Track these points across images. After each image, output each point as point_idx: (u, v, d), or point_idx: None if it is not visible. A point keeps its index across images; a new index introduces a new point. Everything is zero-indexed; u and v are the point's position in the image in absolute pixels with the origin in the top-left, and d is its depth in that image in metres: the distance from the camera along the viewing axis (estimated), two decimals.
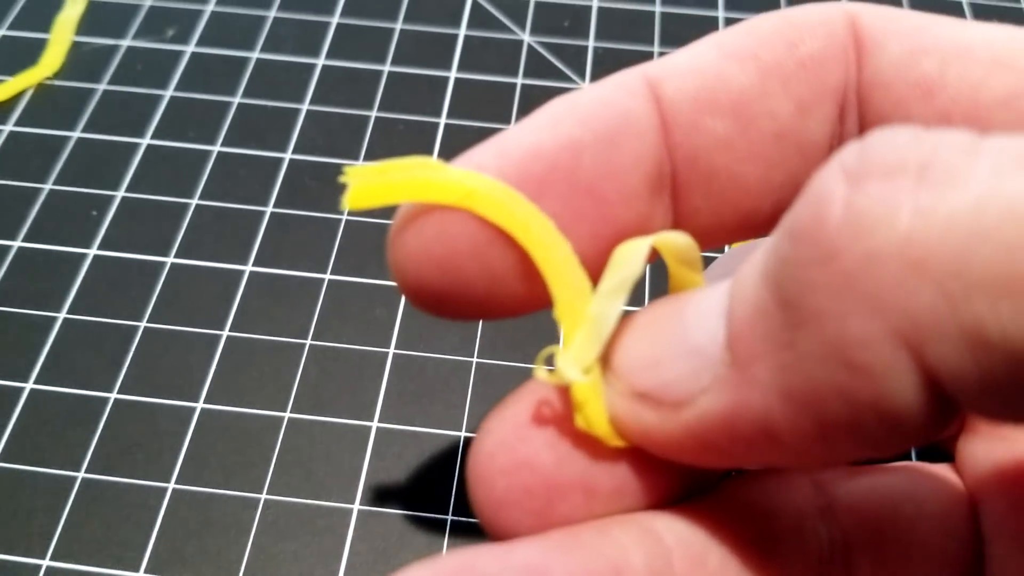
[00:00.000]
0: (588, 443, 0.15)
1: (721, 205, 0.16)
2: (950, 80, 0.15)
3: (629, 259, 0.15)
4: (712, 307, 0.13)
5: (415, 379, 0.25)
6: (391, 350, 0.26)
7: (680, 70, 0.16)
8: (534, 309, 0.16)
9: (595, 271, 0.15)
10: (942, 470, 0.17)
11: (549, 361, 0.15)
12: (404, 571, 0.13)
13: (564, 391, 0.15)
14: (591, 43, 0.33)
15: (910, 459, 0.23)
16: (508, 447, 0.15)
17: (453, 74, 0.32)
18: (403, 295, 0.16)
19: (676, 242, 0.15)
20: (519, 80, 0.32)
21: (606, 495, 0.15)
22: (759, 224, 0.17)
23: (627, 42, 0.33)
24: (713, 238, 0.17)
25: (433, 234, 0.15)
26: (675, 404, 0.14)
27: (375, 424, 0.24)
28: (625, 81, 0.16)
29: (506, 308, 0.16)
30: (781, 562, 0.15)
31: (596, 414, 0.15)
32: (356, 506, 0.23)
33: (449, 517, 0.23)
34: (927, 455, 0.22)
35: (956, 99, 0.15)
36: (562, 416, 0.15)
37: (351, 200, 0.14)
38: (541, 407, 0.15)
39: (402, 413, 0.24)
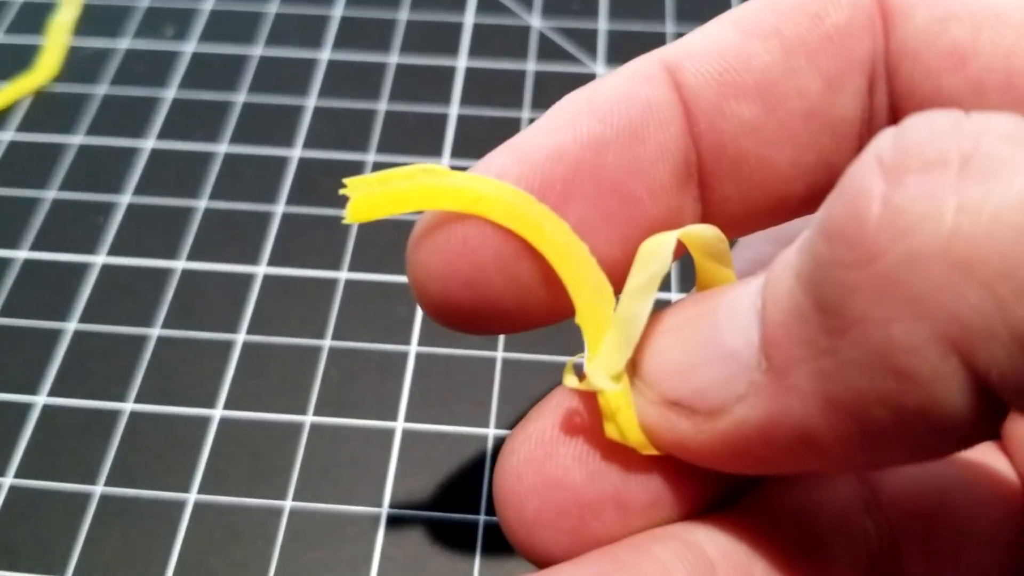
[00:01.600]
0: (619, 454, 0.14)
1: (752, 191, 0.15)
2: (982, 47, 0.14)
3: (656, 255, 0.14)
4: (745, 308, 0.13)
5: (439, 377, 0.24)
6: (413, 348, 0.25)
7: (699, 53, 0.15)
8: (559, 319, 0.15)
9: (626, 272, 0.15)
10: (989, 451, 0.17)
11: (578, 368, 0.14)
12: None
13: (592, 400, 0.14)
14: (602, 25, 0.32)
15: None
16: (536, 465, 0.15)
17: (462, 63, 0.31)
18: (425, 312, 0.15)
19: (703, 235, 0.15)
20: (530, 66, 0.31)
21: (641, 509, 0.15)
22: (793, 208, 0.16)
23: (639, 22, 0.32)
24: (745, 226, 0.16)
25: (456, 249, 0.14)
26: (710, 412, 0.13)
27: (400, 425, 0.24)
28: (643, 69, 0.15)
29: (532, 320, 0.15)
30: (828, 562, 0.15)
31: (628, 422, 0.14)
32: (384, 510, 0.22)
33: (481, 518, 0.22)
34: None
35: (989, 67, 0.14)
36: (591, 427, 0.15)
37: (352, 213, 0.14)
38: (572, 417, 0.15)
39: (427, 412, 0.24)
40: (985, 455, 0.17)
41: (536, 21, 0.32)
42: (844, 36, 0.15)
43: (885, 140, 0.11)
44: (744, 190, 0.15)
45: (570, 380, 0.14)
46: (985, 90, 0.14)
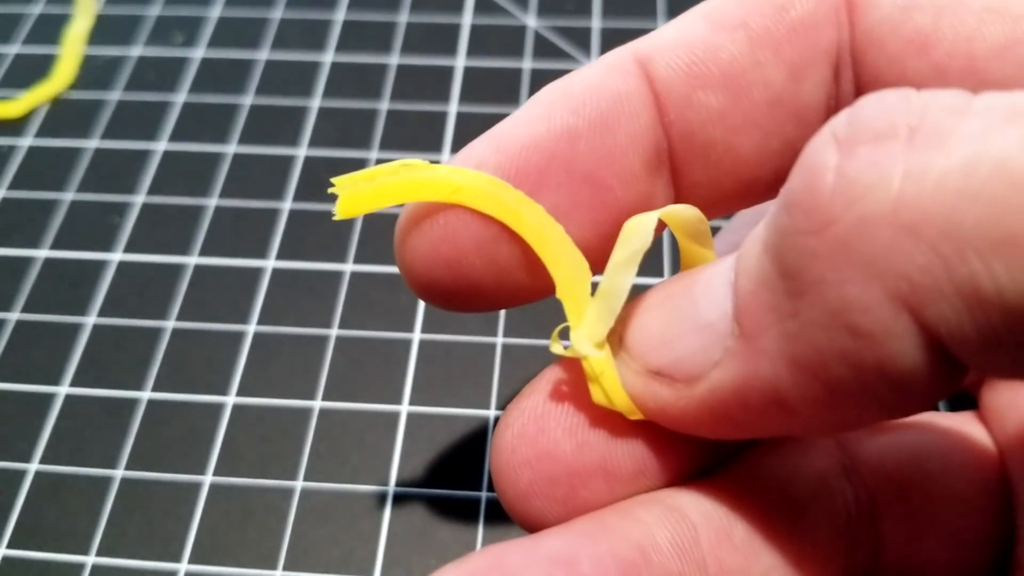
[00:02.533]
0: (606, 425, 0.15)
1: (720, 176, 0.16)
2: (944, 33, 0.15)
3: (638, 232, 0.15)
4: (720, 282, 0.14)
5: (442, 362, 0.25)
6: (416, 335, 0.26)
7: (669, 45, 0.16)
8: (540, 297, 0.16)
9: (600, 255, 0.15)
10: (966, 420, 0.17)
11: (565, 337, 0.15)
12: (436, 573, 0.14)
13: (580, 376, 0.15)
14: (595, 23, 0.33)
15: (937, 409, 0.23)
16: (528, 439, 0.15)
17: (461, 62, 0.32)
18: (413, 291, 0.16)
19: (683, 215, 0.15)
20: (526, 64, 0.32)
21: (627, 477, 0.15)
22: (761, 191, 0.17)
23: (632, 19, 0.33)
24: (716, 208, 0.17)
25: (439, 234, 0.15)
26: (688, 379, 0.14)
27: (405, 408, 0.25)
28: (616, 62, 0.16)
29: (512, 298, 0.16)
30: (807, 526, 0.15)
31: (613, 387, 0.15)
32: (391, 489, 0.23)
33: (483, 494, 0.23)
34: (955, 405, 0.22)
35: (951, 52, 0.14)
36: (579, 401, 0.15)
37: (341, 209, 0.15)
38: (560, 385, 0.16)
39: (431, 396, 0.25)
40: (962, 424, 0.17)
41: (532, 21, 0.33)
42: (808, 27, 0.15)
43: (840, 117, 0.12)
44: (713, 175, 0.16)
45: (556, 347, 0.15)
46: (948, 75, 0.14)
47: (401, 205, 0.15)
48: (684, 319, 0.14)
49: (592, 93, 0.15)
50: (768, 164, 0.16)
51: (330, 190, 0.15)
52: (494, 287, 0.16)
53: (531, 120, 0.15)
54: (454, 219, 0.15)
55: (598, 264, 0.15)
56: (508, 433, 0.16)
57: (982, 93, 0.11)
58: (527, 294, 0.16)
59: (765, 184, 0.16)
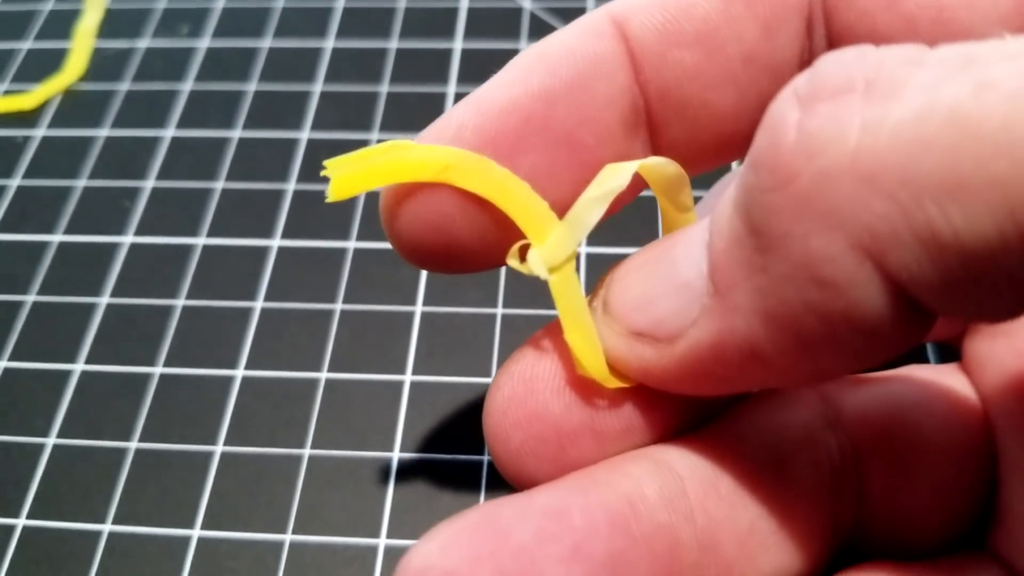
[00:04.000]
0: (592, 386, 0.16)
1: (698, 133, 0.16)
2: None
3: (615, 174, 0.15)
4: (697, 241, 0.14)
5: (443, 333, 0.26)
6: (418, 308, 0.27)
7: (644, 5, 0.16)
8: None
9: None
10: (949, 372, 0.17)
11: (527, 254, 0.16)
12: (433, 529, 0.14)
13: (563, 343, 0.15)
14: (590, 3, 0.34)
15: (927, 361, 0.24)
16: (518, 401, 0.16)
17: (458, 45, 0.33)
18: (402, 256, 0.16)
19: (662, 169, 0.16)
20: (523, 45, 0.33)
21: (615, 435, 0.16)
22: (738, 147, 0.17)
23: None
24: (695, 165, 0.17)
25: (423, 204, 0.16)
26: (669, 338, 0.14)
27: (408, 377, 0.25)
28: (591, 24, 0.16)
29: (492, 261, 0.16)
30: (792, 476, 0.16)
31: (593, 360, 0.15)
32: (396, 454, 0.24)
33: (485, 458, 0.24)
34: (942, 358, 0.23)
35: (920, 3, 0.15)
36: (566, 358, 0.16)
37: (334, 191, 0.15)
38: (548, 348, 0.16)
39: (433, 365, 0.25)
40: (945, 375, 0.18)
41: (527, 3, 0.34)
42: None
43: (802, 76, 0.12)
44: (690, 132, 0.16)
45: (512, 261, 0.16)
46: (918, 26, 0.15)
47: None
48: (663, 280, 0.14)
49: (568, 55, 0.16)
50: (745, 119, 0.16)
51: (322, 172, 0.15)
52: (477, 250, 0.16)
53: (509, 83, 0.16)
54: (438, 197, 0.15)
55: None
56: (499, 395, 0.16)
57: (938, 46, 0.11)
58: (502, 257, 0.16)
59: (743, 139, 0.17)
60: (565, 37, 0.16)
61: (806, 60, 0.16)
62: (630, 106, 0.16)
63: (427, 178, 0.15)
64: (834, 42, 0.16)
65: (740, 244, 0.13)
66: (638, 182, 0.16)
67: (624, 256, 0.16)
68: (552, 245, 0.15)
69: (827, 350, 0.13)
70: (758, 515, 0.15)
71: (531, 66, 0.16)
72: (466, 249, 0.16)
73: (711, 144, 0.17)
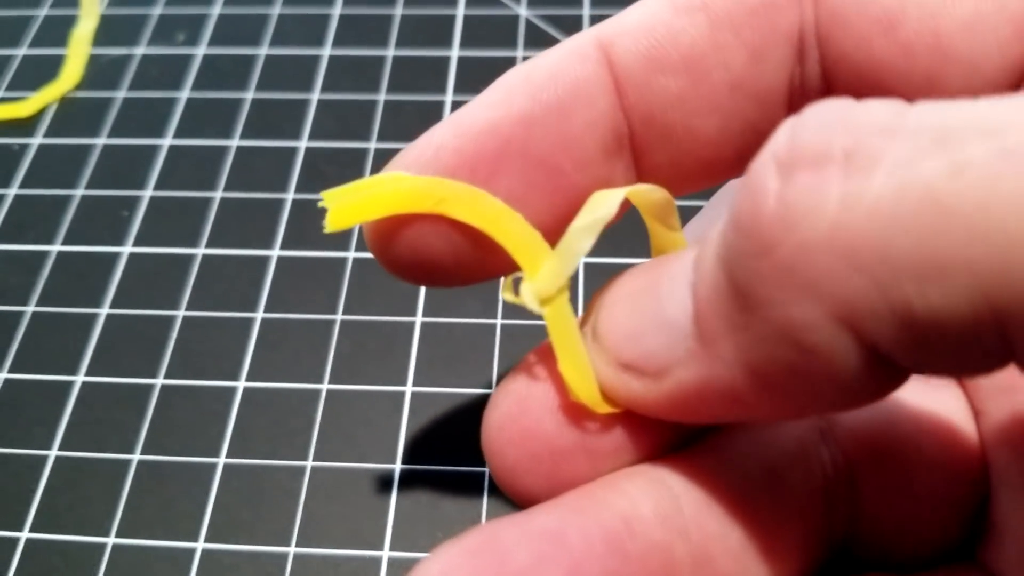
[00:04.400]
0: (584, 410, 0.16)
1: (681, 158, 0.16)
2: (910, 11, 0.15)
3: (604, 203, 0.15)
4: (682, 281, 0.14)
5: (444, 344, 0.26)
6: (419, 319, 0.27)
7: (630, 29, 0.16)
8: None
9: (555, 238, 0.16)
10: (942, 384, 0.18)
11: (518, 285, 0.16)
12: (434, 552, 0.14)
13: (556, 367, 0.16)
14: (586, 11, 0.34)
15: None
16: (513, 419, 0.16)
17: (455, 53, 0.33)
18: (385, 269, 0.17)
19: (650, 195, 0.16)
20: (519, 53, 0.33)
21: (608, 454, 0.16)
22: (722, 171, 0.17)
23: (622, 6, 0.34)
24: (679, 188, 0.17)
25: (410, 242, 0.16)
26: (656, 373, 0.14)
27: (409, 389, 0.25)
28: (577, 47, 0.16)
29: (478, 278, 0.17)
30: (786, 489, 0.16)
31: (584, 387, 0.15)
32: (398, 466, 0.24)
33: (487, 469, 0.24)
34: None
35: (918, 30, 0.15)
36: (559, 379, 0.16)
37: (331, 222, 0.15)
38: (542, 368, 0.16)
39: (434, 376, 0.26)
40: (939, 388, 0.18)
41: (523, 10, 0.34)
42: (769, 9, 0.15)
43: (781, 137, 0.12)
44: (674, 157, 0.16)
45: (507, 294, 0.16)
46: (915, 53, 0.15)
47: None
48: (650, 315, 0.15)
49: (551, 79, 0.16)
50: (729, 146, 0.16)
51: (319, 204, 0.15)
52: (461, 271, 0.16)
53: (491, 104, 0.16)
54: (426, 229, 0.16)
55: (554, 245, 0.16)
56: (495, 413, 0.16)
57: (916, 106, 0.11)
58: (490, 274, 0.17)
59: (727, 164, 0.17)
60: (550, 60, 0.16)
61: (796, 86, 0.16)
62: (612, 131, 0.16)
63: (423, 210, 0.15)
64: (828, 68, 0.16)
65: (723, 298, 0.13)
66: (624, 203, 0.16)
67: (624, 267, 0.16)
68: (544, 277, 0.15)
69: (808, 401, 0.13)
70: (752, 529, 0.16)
71: (513, 88, 0.16)
72: (449, 270, 0.16)
73: (694, 169, 0.17)
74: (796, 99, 0.16)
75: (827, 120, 0.12)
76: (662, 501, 0.15)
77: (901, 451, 0.17)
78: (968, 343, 0.11)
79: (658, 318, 0.14)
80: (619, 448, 0.16)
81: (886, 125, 0.11)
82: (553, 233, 0.16)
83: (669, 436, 0.16)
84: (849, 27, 0.15)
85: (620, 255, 0.26)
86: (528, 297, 0.15)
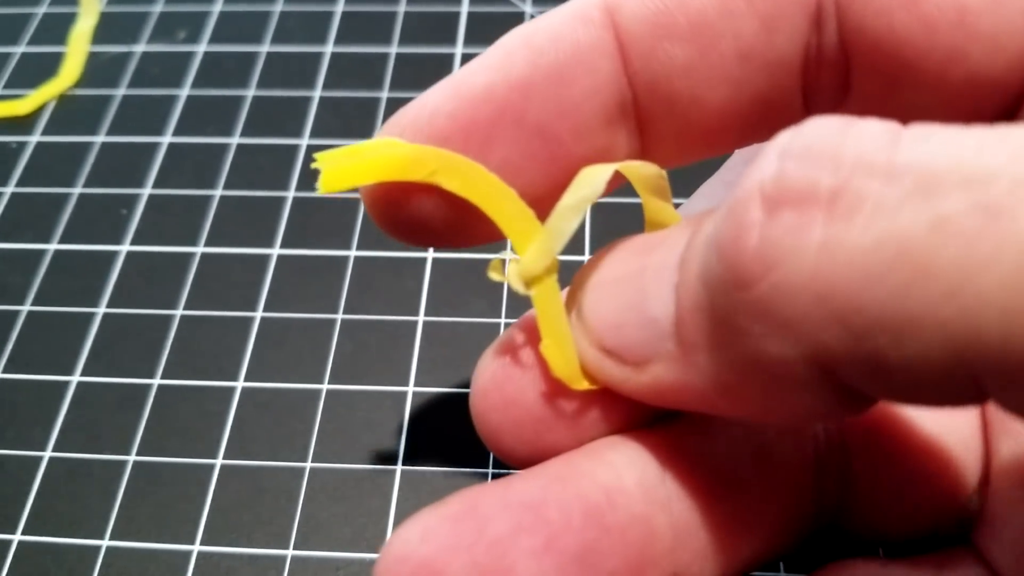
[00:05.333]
0: (565, 386, 0.16)
1: (687, 129, 0.16)
2: None
3: (591, 181, 0.15)
4: (666, 280, 0.14)
5: (446, 344, 0.26)
6: (420, 318, 0.26)
7: None
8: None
9: (550, 208, 0.15)
10: None
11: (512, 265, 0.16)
12: (415, 516, 0.15)
13: (539, 346, 0.16)
14: None
15: None
16: (497, 386, 0.16)
17: (459, 50, 0.33)
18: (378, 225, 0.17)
19: (642, 170, 0.16)
20: None
21: (591, 423, 0.16)
22: (729, 142, 0.17)
23: None
24: (684, 158, 0.17)
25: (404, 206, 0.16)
26: (636, 364, 0.15)
27: (411, 389, 0.25)
28: (582, 9, 0.15)
29: (468, 240, 0.17)
30: (776, 461, 0.16)
31: (565, 367, 0.15)
32: (399, 467, 0.24)
33: (490, 470, 0.23)
34: None
35: (941, 5, 0.14)
36: (540, 362, 0.16)
37: (324, 184, 0.15)
38: (527, 338, 0.16)
39: (436, 376, 0.25)
40: None
41: (528, 7, 0.34)
42: None
43: (769, 166, 0.12)
44: (680, 127, 0.16)
45: (494, 274, 0.16)
46: (937, 28, 0.14)
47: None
48: (634, 308, 0.15)
49: (552, 42, 0.15)
50: (737, 116, 0.16)
51: (313, 165, 0.15)
52: (458, 236, 0.17)
53: (489, 67, 0.15)
54: (422, 196, 0.16)
55: (546, 216, 0.16)
56: (481, 379, 0.17)
57: (906, 138, 0.11)
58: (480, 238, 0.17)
59: (734, 135, 0.16)
60: (552, 22, 0.16)
61: (812, 56, 0.15)
62: (614, 98, 0.16)
63: (416, 178, 0.15)
64: (846, 38, 0.15)
65: (703, 314, 0.13)
66: (617, 177, 0.16)
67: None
68: (531, 258, 0.15)
69: (780, 418, 0.14)
70: (740, 500, 0.16)
71: (514, 51, 0.15)
72: (445, 235, 0.16)
73: (701, 139, 0.16)
74: (812, 69, 0.16)
75: (816, 151, 0.11)
76: (646, 472, 0.15)
77: (896, 425, 0.17)
78: (941, 390, 0.11)
79: (642, 314, 0.14)
80: (600, 420, 0.16)
81: (874, 164, 0.11)
82: (547, 203, 0.15)
83: (652, 410, 0.16)
84: (860, 5, 0.15)
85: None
86: (513, 278, 0.15)
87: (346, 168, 0.15)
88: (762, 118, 0.16)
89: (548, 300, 0.15)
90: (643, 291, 0.14)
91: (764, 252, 0.11)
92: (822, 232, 0.11)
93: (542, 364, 0.16)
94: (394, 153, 0.15)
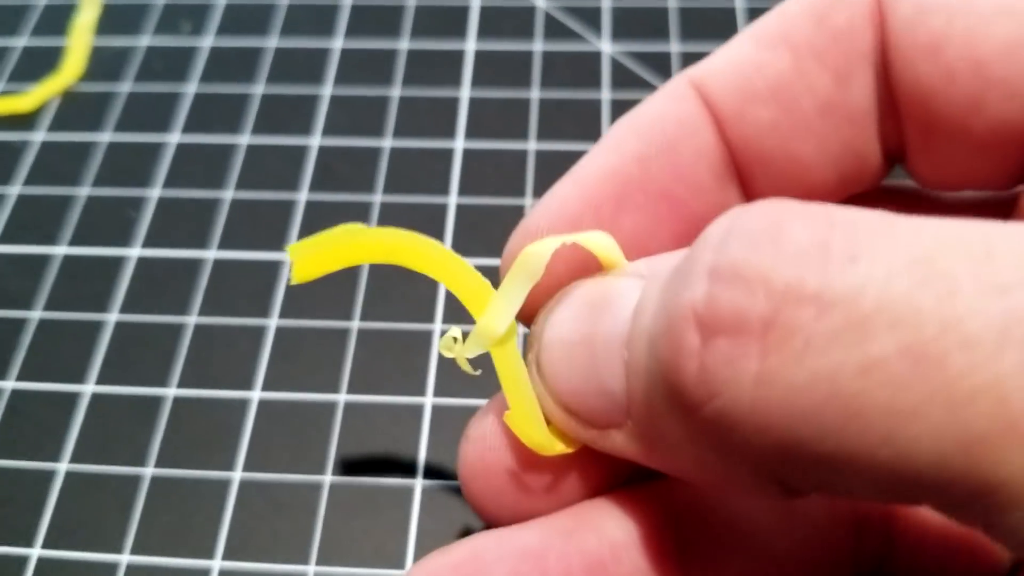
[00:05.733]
0: (538, 455, 0.17)
1: (783, 182, 0.17)
2: (955, 35, 0.15)
3: (527, 266, 0.16)
4: (615, 352, 0.15)
5: None
6: (437, 326, 0.26)
7: (720, 68, 0.17)
8: None
9: None
10: None
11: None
12: (420, 562, 0.16)
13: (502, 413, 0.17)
14: (605, 2, 0.33)
15: None
16: (478, 455, 0.17)
17: (471, 46, 0.32)
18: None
19: (593, 241, 0.16)
20: (537, 46, 0.32)
21: (570, 488, 0.17)
22: (828, 192, 0.17)
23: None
24: None
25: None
26: (599, 428, 0.15)
27: (429, 400, 0.25)
28: (674, 90, 0.17)
29: None
30: (804, 516, 0.16)
31: (533, 433, 0.16)
32: (419, 481, 0.24)
33: None
34: None
35: (960, 55, 0.15)
36: (508, 435, 0.17)
37: (296, 274, 0.17)
38: (495, 426, 0.17)
39: (455, 387, 0.25)
40: None
41: (541, 1, 0.33)
42: (847, 34, 0.16)
43: (699, 289, 0.12)
44: (776, 182, 0.17)
45: (446, 352, 0.17)
46: (956, 78, 0.15)
47: None
48: (588, 377, 0.15)
49: (655, 120, 0.17)
50: (830, 167, 0.17)
51: (286, 256, 0.16)
52: None
53: (604, 151, 0.17)
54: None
55: None
56: (466, 446, 0.18)
57: (837, 249, 0.11)
58: None
59: (832, 185, 0.17)
60: (650, 105, 0.17)
61: (884, 104, 0.16)
62: (719, 160, 0.17)
63: (379, 259, 0.17)
64: (892, 91, 0.16)
65: (652, 409, 0.14)
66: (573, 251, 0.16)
67: None
68: (488, 319, 0.16)
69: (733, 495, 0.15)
70: (760, 555, 0.16)
71: (623, 135, 0.17)
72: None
73: (799, 191, 0.17)
74: (883, 119, 0.16)
75: (745, 275, 0.12)
76: (655, 525, 0.16)
77: None
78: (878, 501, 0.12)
79: (597, 384, 0.15)
80: (579, 482, 0.17)
81: (803, 293, 0.11)
82: None
83: (634, 467, 0.16)
84: (900, 50, 0.16)
85: None
86: (459, 359, 0.17)
87: (316, 256, 0.16)
88: (853, 168, 0.17)
89: (510, 365, 0.16)
90: (595, 360, 0.15)
91: (704, 379, 0.12)
92: (757, 365, 0.11)
93: (510, 436, 0.17)
94: (358, 239, 0.16)
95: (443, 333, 0.26)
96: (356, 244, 0.16)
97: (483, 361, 0.17)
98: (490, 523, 0.17)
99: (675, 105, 0.17)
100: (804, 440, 0.11)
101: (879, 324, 0.10)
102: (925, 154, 0.16)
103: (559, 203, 0.17)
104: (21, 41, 0.33)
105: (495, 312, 0.16)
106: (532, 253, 0.16)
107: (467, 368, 0.17)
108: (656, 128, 0.17)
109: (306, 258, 0.16)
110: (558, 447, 0.16)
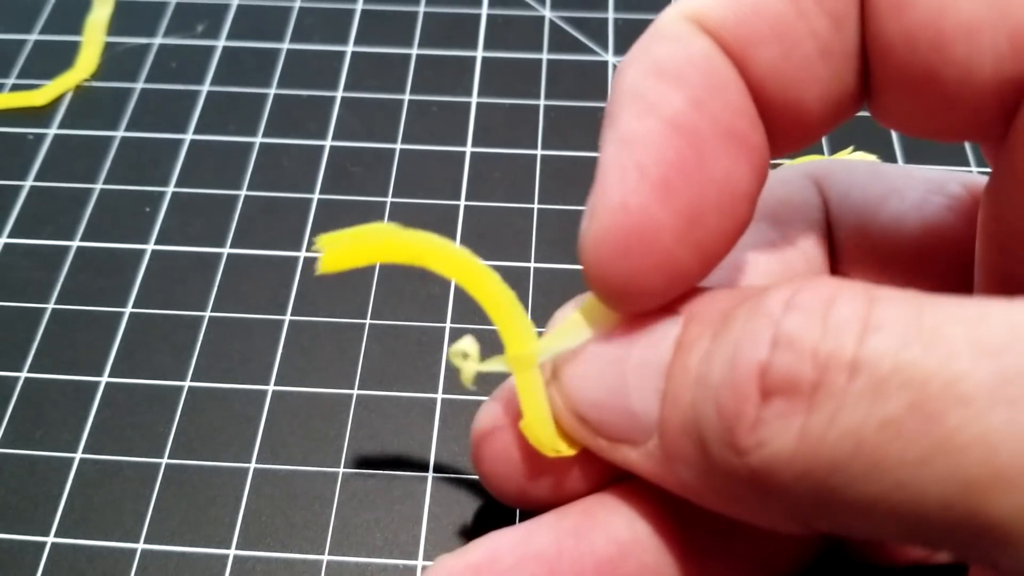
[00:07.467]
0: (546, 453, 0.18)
1: (784, 126, 0.16)
2: (921, 3, 0.15)
3: (587, 326, 0.17)
4: (649, 380, 0.15)
5: None
6: (448, 324, 0.27)
7: (714, 4, 0.16)
8: None
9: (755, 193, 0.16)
10: None
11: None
12: (437, 562, 0.16)
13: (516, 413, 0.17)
14: (611, 14, 0.34)
15: None
16: (488, 439, 0.18)
17: (480, 53, 0.33)
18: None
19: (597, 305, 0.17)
20: (544, 55, 0.33)
21: (578, 477, 0.18)
22: (812, 127, 0.17)
23: (646, 11, 0.34)
24: (783, 150, 0.17)
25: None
26: (613, 443, 0.16)
27: (440, 396, 0.25)
28: (678, 30, 0.16)
29: None
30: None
31: (544, 440, 0.17)
32: (431, 474, 0.24)
33: None
34: None
35: (922, 22, 0.15)
36: (517, 435, 0.18)
37: (324, 265, 0.17)
38: (508, 415, 0.18)
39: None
40: None
41: (548, 11, 0.34)
42: None
43: (762, 352, 0.13)
44: (777, 125, 0.16)
45: (456, 359, 0.18)
46: (916, 44, 0.15)
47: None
48: (614, 395, 0.16)
49: (685, 63, 0.15)
50: (823, 106, 0.16)
51: (314, 247, 0.17)
52: None
53: (647, 111, 0.15)
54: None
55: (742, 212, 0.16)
56: (476, 428, 0.18)
57: (874, 320, 0.13)
58: None
59: (817, 120, 0.17)
60: (663, 49, 0.16)
61: (860, 46, 0.16)
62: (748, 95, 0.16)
63: (407, 260, 0.17)
64: (867, 45, 0.16)
65: (691, 440, 0.15)
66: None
67: None
68: (517, 343, 0.17)
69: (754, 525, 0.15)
70: (749, 541, 0.17)
71: (655, 87, 0.15)
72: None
73: (796, 135, 0.17)
74: (860, 57, 0.16)
75: (800, 346, 0.13)
76: (656, 522, 0.17)
77: None
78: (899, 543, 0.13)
79: (623, 403, 0.16)
80: (585, 472, 0.18)
81: (841, 360, 0.13)
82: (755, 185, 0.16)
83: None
84: (872, 4, 0.15)
85: None
86: (493, 365, 0.18)
87: (345, 250, 0.17)
88: (842, 107, 0.17)
89: (530, 384, 0.17)
90: (624, 382, 0.16)
91: (757, 430, 0.13)
92: (802, 421, 0.13)
93: (519, 437, 0.17)
94: (388, 238, 0.17)
95: (453, 331, 0.26)
96: (388, 243, 0.17)
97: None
98: (497, 497, 0.18)
99: (695, 44, 0.15)
100: (834, 487, 0.12)
101: (893, 386, 0.12)
102: (889, 102, 0.16)
103: (637, 173, 0.15)
104: (34, 36, 0.34)
105: (532, 346, 0.17)
106: (597, 316, 0.16)
107: (468, 384, 0.18)
108: (693, 70, 0.15)
109: (335, 250, 0.17)
110: (563, 449, 0.17)
